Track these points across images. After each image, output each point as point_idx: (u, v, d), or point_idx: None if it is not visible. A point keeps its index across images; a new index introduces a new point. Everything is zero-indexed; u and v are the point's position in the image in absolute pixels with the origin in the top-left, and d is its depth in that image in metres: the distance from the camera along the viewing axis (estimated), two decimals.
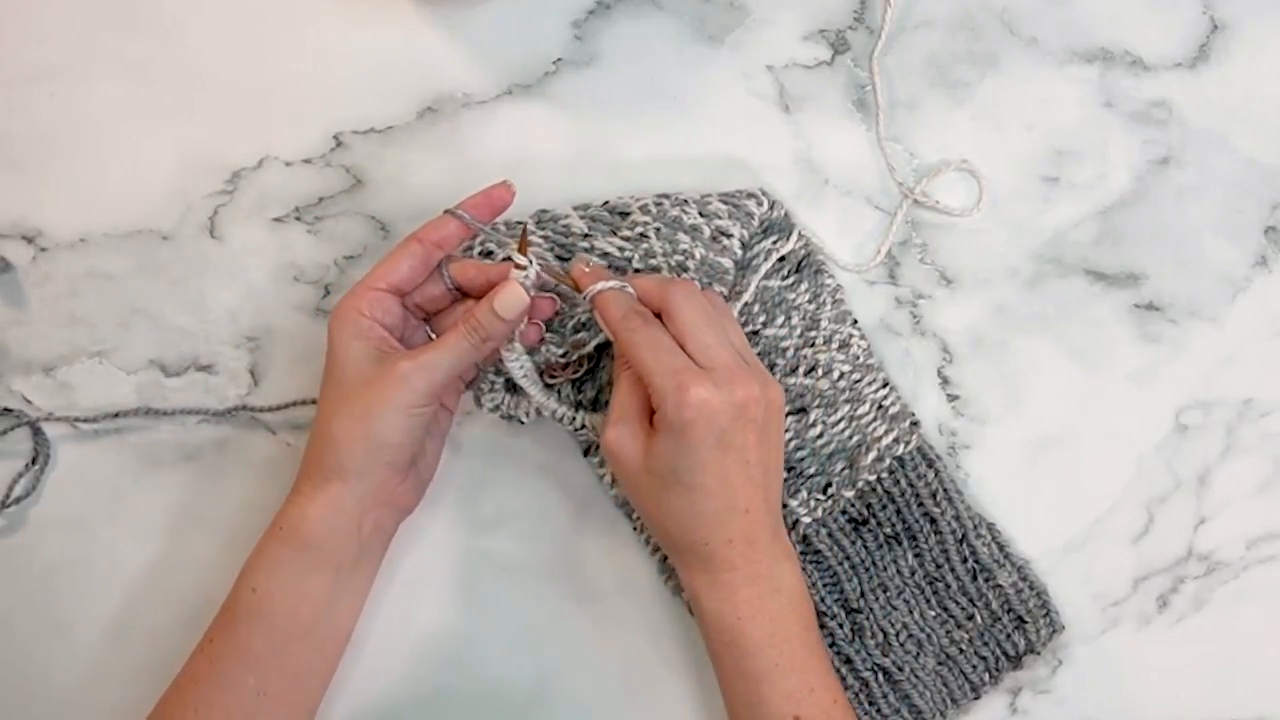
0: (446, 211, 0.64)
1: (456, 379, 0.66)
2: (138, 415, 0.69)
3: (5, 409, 0.69)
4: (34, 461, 0.69)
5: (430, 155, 0.71)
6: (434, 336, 0.66)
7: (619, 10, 0.71)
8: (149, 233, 0.71)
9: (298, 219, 0.71)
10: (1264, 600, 0.69)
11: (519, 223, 0.67)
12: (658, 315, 0.62)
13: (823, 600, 0.67)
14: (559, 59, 0.71)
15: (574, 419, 0.66)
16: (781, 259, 0.69)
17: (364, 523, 0.62)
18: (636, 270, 0.65)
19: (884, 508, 0.67)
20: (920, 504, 0.67)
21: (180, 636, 0.67)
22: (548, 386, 0.66)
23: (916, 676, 0.67)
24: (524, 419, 0.66)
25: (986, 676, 0.67)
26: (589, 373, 0.67)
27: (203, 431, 0.70)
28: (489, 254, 0.67)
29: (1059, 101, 0.71)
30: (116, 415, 0.69)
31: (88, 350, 0.70)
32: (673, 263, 0.65)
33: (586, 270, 0.63)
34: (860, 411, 0.68)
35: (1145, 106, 0.71)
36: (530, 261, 0.62)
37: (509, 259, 0.63)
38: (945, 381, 0.70)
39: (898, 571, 0.67)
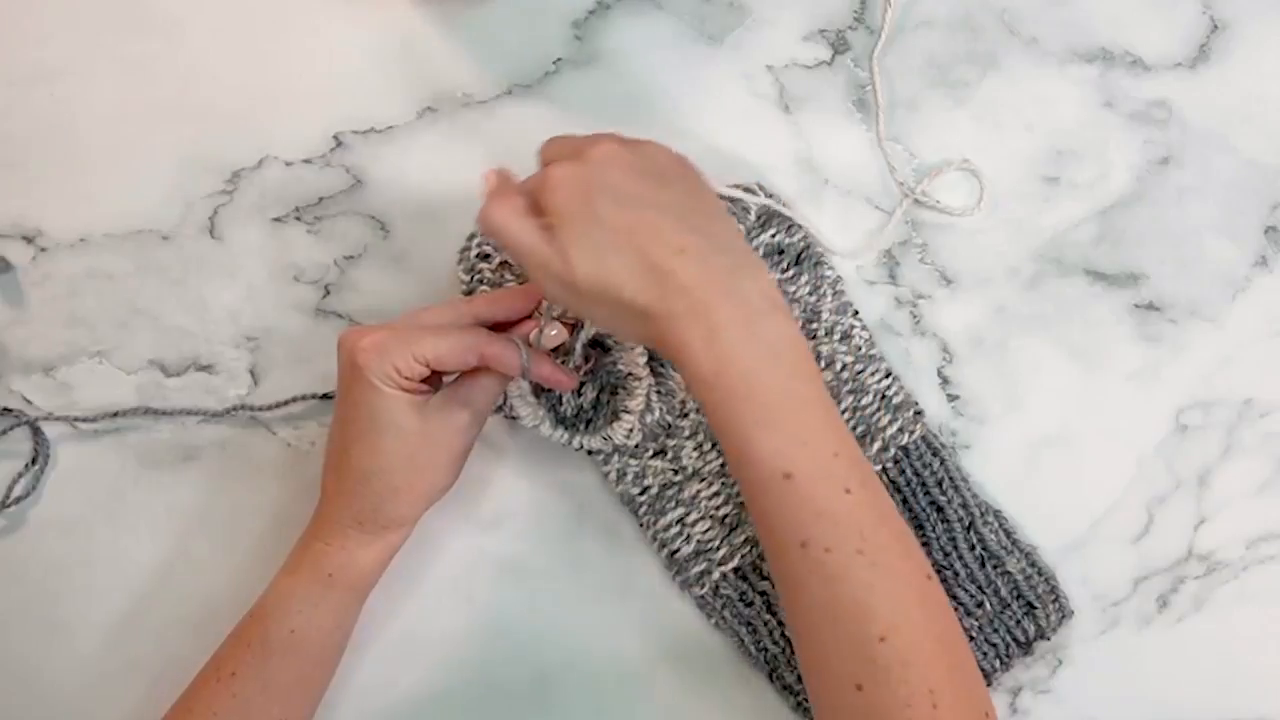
0: (517, 343, 0.62)
1: None
2: (138, 415, 0.69)
3: (5, 409, 0.69)
4: (34, 461, 0.69)
5: (430, 155, 0.71)
6: None
7: (619, 10, 0.71)
8: (149, 233, 0.71)
9: (298, 219, 0.71)
10: (1264, 600, 0.69)
11: None
12: None
13: None
14: (559, 59, 0.71)
15: (565, 437, 0.66)
16: (780, 252, 0.69)
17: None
18: None
19: (890, 497, 0.67)
20: (927, 493, 0.67)
21: (181, 636, 0.67)
22: (537, 398, 0.67)
23: None
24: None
25: (998, 663, 0.67)
26: (586, 376, 0.67)
27: (203, 431, 0.70)
28: (487, 256, 0.67)
29: (1059, 101, 0.71)
30: (116, 415, 0.69)
31: (88, 350, 0.70)
32: None
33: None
34: (864, 402, 0.68)
35: (1145, 106, 0.71)
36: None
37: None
38: (945, 381, 0.70)
39: None
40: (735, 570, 0.67)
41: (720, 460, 0.68)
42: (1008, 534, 0.68)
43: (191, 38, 0.71)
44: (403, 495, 0.61)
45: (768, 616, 0.67)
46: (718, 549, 0.67)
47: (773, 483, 0.55)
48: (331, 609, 0.62)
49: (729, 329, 0.55)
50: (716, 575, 0.67)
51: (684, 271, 0.55)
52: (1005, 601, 0.67)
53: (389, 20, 0.71)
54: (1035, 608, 0.67)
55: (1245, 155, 0.71)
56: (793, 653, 0.67)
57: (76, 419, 0.69)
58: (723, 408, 0.55)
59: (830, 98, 0.71)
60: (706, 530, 0.67)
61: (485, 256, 0.67)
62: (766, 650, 0.67)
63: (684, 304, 0.55)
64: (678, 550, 0.67)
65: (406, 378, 0.60)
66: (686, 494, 0.68)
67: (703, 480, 0.68)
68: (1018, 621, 0.67)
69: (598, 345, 0.67)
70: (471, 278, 0.67)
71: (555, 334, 0.63)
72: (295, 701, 0.62)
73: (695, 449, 0.68)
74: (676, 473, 0.68)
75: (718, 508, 0.67)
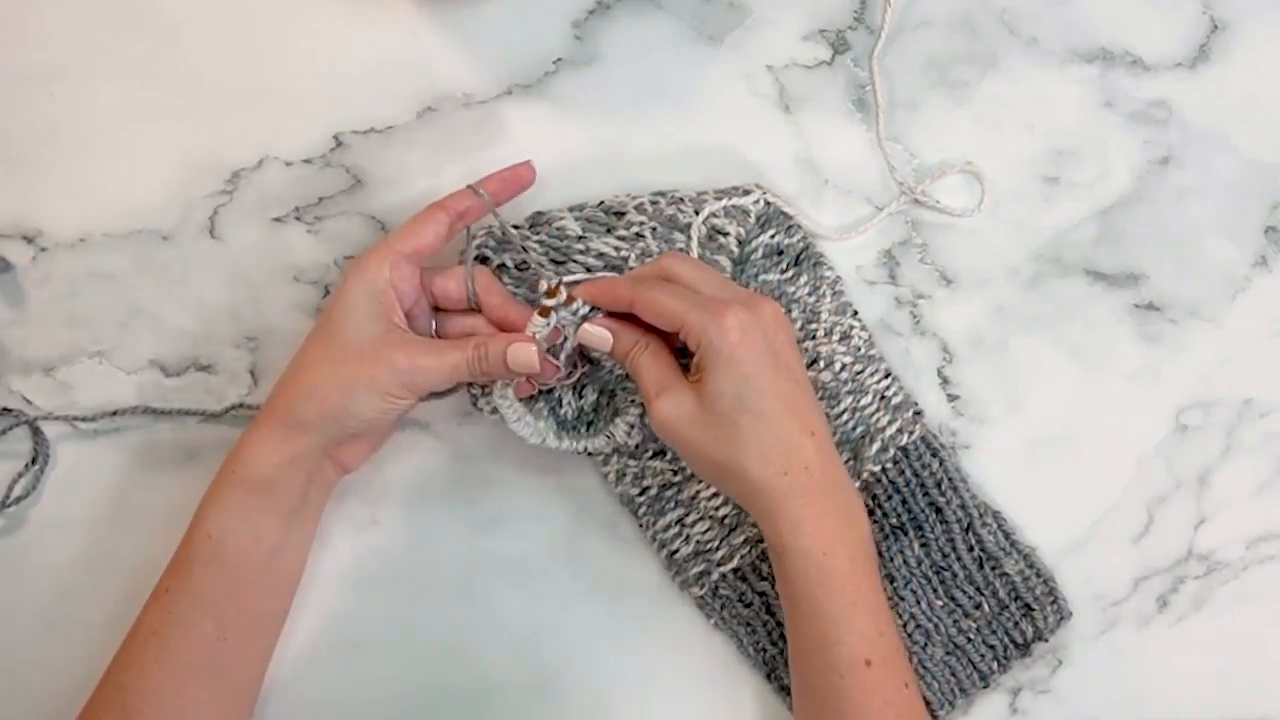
0: (469, 186, 0.65)
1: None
2: (138, 415, 0.69)
3: (5, 409, 0.69)
4: (34, 461, 0.69)
5: (430, 155, 0.71)
6: (435, 326, 0.66)
7: (619, 10, 0.71)
8: (149, 233, 0.71)
9: (298, 219, 0.71)
10: (1264, 600, 0.69)
11: (516, 227, 0.67)
12: None
13: None
14: (559, 59, 0.71)
15: (570, 444, 0.66)
16: (780, 252, 0.69)
17: (312, 474, 0.63)
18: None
19: (889, 498, 0.67)
20: (925, 493, 0.67)
21: None
22: (546, 393, 0.67)
23: (925, 667, 0.66)
24: None
25: (995, 665, 0.67)
26: (584, 376, 0.67)
27: (203, 431, 0.70)
28: (485, 259, 0.67)
29: (1059, 101, 0.71)
30: (116, 415, 0.69)
31: (88, 350, 0.70)
32: None
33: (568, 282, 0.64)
34: (863, 403, 0.68)
35: (1145, 106, 0.71)
36: (551, 322, 0.62)
37: (537, 301, 0.63)
38: (945, 381, 0.70)
39: (904, 562, 0.67)
40: (734, 571, 0.67)
41: None
42: (1006, 535, 0.68)
43: (191, 38, 0.71)
44: (317, 402, 0.61)
45: (766, 617, 0.67)
46: (717, 550, 0.67)
47: (854, 668, 0.59)
48: (238, 509, 0.62)
49: (838, 515, 0.60)
50: (715, 576, 0.67)
51: (812, 454, 0.59)
52: (1003, 603, 0.67)
53: (389, 20, 0.71)
54: (1033, 609, 0.67)
55: (1245, 155, 0.71)
56: None
57: (76, 419, 0.69)
58: (822, 587, 0.59)
59: (830, 98, 0.71)
60: (705, 531, 0.67)
61: (483, 259, 0.67)
62: (765, 651, 0.67)
63: (804, 482, 0.59)
64: (677, 551, 0.67)
65: (391, 283, 0.62)
66: (685, 494, 0.68)
67: (701, 481, 0.68)
68: (1016, 623, 0.67)
69: (585, 358, 0.66)
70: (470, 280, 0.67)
71: (526, 361, 0.62)
72: (229, 620, 0.62)
73: None
74: (676, 473, 0.68)
75: (717, 508, 0.67)
